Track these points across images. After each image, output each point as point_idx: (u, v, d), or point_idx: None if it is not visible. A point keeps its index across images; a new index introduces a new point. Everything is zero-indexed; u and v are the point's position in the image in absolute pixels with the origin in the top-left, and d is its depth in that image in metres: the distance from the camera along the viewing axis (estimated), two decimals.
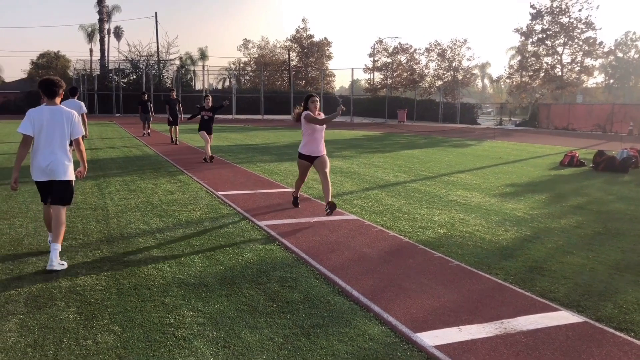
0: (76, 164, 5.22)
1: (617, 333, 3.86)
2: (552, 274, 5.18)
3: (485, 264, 5.45)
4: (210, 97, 13.57)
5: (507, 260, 5.59)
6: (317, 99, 7.50)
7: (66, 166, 5.13)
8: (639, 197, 9.81)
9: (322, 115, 7.55)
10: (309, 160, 7.52)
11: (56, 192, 5.11)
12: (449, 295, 4.54)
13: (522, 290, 4.72)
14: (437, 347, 3.56)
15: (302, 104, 7.53)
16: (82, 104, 11.09)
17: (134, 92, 44.13)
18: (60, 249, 5.05)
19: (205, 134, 13.37)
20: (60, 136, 5.09)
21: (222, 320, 3.94)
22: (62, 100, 6.03)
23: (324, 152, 7.52)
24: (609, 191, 10.40)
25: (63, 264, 5.04)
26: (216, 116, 13.89)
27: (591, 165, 14.33)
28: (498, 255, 5.79)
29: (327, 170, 7.37)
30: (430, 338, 3.69)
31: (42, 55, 49.95)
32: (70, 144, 5.25)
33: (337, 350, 3.53)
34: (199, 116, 13.63)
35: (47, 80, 5.21)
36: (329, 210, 7.11)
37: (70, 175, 5.18)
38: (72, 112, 5.19)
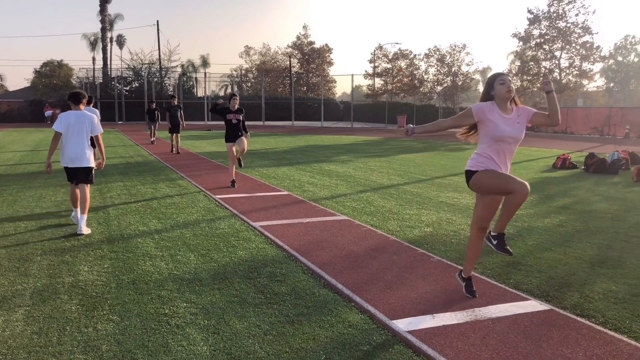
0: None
1: (579, 319, 4.16)
2: (528, 268, 5.48)
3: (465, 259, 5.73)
4: (237, 98, 10.65)
5: (487, 256, 5.87)
6: (510, 80, 4.17)
7: (88, 156, 6.70)
8: (623, 197, 10.10)
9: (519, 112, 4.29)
10: None
11: (81, 176, 6.73)
12: (426, 287, 4.84)
13: (497, 282, 5.02)
14: (410, 332, 3.86)
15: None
16: (96, 110, 11.83)
17: (137, 100, 44.73)
18: (86, 218, 6.73)
19: (233, 149, 10.59)
20: (84, 133, 6.61)
21: (213, 310, 4.25)
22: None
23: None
24: (596, 192, 10.69)
25: (88, 230, 6.69)
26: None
27: (582, 167, 14.62)
28: None
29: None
30: (405, 324, 4.00)
31: (45, 64, 50.32)
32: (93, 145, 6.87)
33: (318, 335, 3.83)
34: (221, 114, 10.61)
35: (75, 92, 6.85)
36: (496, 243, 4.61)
37: (91, 163, 6.75)
38: (93, 115, 6.75)
